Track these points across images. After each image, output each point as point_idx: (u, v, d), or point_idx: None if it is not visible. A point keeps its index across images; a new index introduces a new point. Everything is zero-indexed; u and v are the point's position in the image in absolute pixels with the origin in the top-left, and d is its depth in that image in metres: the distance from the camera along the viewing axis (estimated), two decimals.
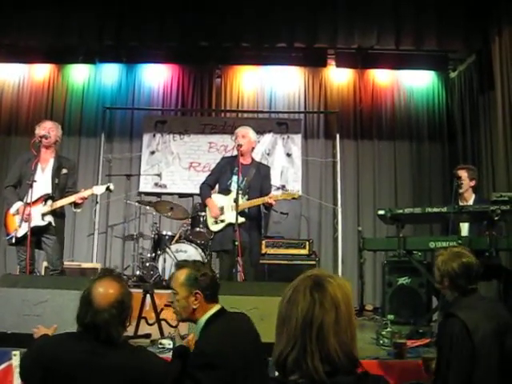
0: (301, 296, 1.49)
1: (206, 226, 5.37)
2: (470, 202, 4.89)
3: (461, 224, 4.72)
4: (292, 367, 1.46)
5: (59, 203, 4.81)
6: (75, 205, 4.87)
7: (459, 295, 2.72)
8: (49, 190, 4.83)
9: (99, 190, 4.93)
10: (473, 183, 4.98)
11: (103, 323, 2.03)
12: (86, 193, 4.81)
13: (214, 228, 4.99)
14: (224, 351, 2.30)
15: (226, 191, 4.99)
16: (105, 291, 2.07)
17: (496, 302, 3.49)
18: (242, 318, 2.64)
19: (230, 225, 4.83)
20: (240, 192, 4.71)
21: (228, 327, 2.50)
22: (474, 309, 2.60)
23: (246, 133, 5.05)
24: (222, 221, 4.92)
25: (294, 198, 5.04)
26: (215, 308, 2.54)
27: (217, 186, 5.17)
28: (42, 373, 2.07)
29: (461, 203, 4.82)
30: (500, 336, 2.49)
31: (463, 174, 4.95)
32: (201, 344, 2.39)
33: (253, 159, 5.18)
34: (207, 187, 5.12)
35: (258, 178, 5.02)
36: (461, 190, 4.87)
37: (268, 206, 5.02)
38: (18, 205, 4.74)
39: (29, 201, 4.56)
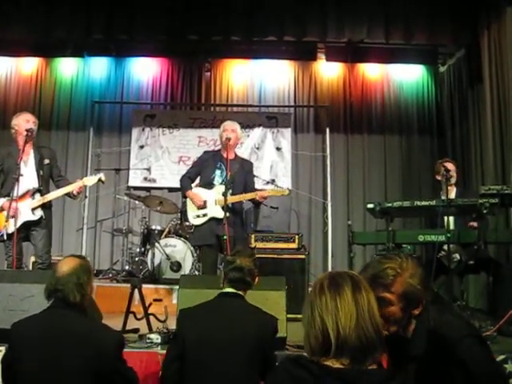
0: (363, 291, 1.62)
1: (186, 220, 5.32)
2: (452, 195, 4.89)
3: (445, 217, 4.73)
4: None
5: (52, 195, 4.72)
6: (73, 195, 4.76)
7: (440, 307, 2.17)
8: (35, 183, 4.73)
9: (90, 181, 4.82)
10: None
11: (62, 287, 2.45)
12: (76, 184, 4.71)
13: (196, 222, 4.95)
14: (181, 321, 2.68)
15: (208, 185, 4.97)
16: (66, 263, 2.56)
17: None
18: (244, 310, 2.67)
19: (212, 219, 4.82)
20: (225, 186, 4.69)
21: (207, 308, 2.68)
22: None
23: (235, 128, 5.04)
24: (205, 215, 4.88)
25: (283, 195, 5.03)
26: (222, 290, 2.79)
27: (197, 180, 5.13)
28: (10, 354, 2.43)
29: (443, 197, 4.82)
30: None
31: (452, 166, 4.96)
32: None
33: (236, 155, 5.16)
34: (188, 180, 5.09)
35: (242, 174, 5.01)
36: (450, 183, 4.88)
37: (257, 203, 5.02)
38: (2, 201, 4.62)
39: (15, 196, 4.43)
